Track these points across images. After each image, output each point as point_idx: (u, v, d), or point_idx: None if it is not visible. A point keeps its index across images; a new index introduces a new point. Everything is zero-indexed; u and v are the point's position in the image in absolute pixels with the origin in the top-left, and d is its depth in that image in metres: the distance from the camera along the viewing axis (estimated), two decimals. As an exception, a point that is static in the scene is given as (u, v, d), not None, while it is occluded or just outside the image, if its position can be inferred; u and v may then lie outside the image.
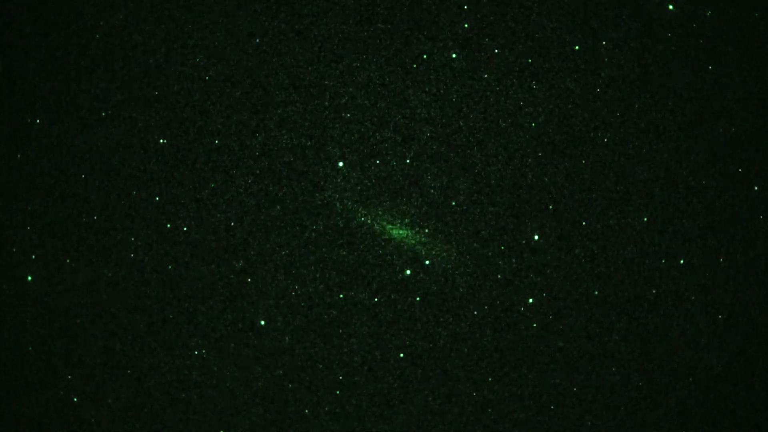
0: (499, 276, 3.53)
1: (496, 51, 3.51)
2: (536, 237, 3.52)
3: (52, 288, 3.64)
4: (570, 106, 3.51)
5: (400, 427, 3.60)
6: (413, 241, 3.53)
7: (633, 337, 3.55)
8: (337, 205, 3.54)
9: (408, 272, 3.55)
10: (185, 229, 3.59)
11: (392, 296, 3.55)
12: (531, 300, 3.54)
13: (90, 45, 3.63)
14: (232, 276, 3.58)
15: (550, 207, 3.51)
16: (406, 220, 3.53)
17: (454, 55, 3.50)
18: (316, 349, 3.60)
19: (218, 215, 3.58)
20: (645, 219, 3.52)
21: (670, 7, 3.50)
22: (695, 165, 3.53)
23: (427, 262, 3.54)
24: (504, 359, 3.56)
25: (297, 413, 3.62)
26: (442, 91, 3.52)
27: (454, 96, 3.51)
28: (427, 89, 3.52)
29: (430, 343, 3.57)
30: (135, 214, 3.60)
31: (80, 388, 3.66)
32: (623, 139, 3.51)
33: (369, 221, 3.53)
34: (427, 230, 3.53)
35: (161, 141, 3.59)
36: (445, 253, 3.54)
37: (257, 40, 3.56)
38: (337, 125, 3.53)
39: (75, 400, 3.66)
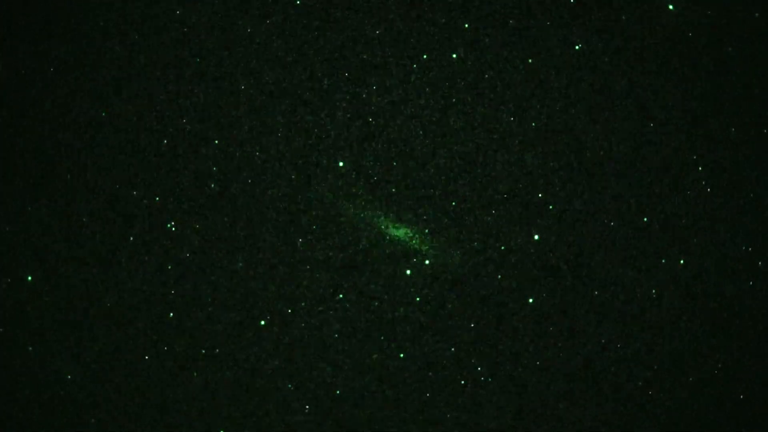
0: (499, 276, 3.53)
1: (497, 51, 3.51)
2: (536, 237, 3.52)
3: (52, 288, 3.64)
4: (571, 106, 3.51)
5: (399, 427, 3.60)
6: (413, 241, 3.54)
7: (633, 337, 3.56)
8: (338, 205, 3.54)
9: (408, 272, 3.55)
10: (185, 229, 3.59)
11: (392, 296, 3.55)
12: (531, 300, 3.54)
13: (90, 44, 3.63)
14: (232, 276, 3.58)
15: (551, 207, 3.51)
16: (406, 220, 3.53)
17: (454, 55, 3.51)
18: (316, 349, 3.60)
19: (218, 216, 3.58)
20: (645, 219, 3.53)
21: (670, 7, 3.50)
22: (695, 165, 3.54)
23: (427, 262, 3.55)
24: (504, 359, 3.56)
25: (297, 413, 3.62)
26: (442, 91, 3.52)
27: (455, 96, 3.52)
28: (427, 89, 3.52)
29: (430, 343, 3.57)
30: (135, 214, 3.60)
31: (80, 388, 3.66)
32: (624, 140, 3.51)
33: (369, 221, 3.54)
34: (427, 230, 3.53)
35: (161, 141, 3.59)
36: (445, 253, 3.54)
37: (257, 41, 3.56)
38: (337, 125, 3.54)
39: (75, 400, 3.66)
